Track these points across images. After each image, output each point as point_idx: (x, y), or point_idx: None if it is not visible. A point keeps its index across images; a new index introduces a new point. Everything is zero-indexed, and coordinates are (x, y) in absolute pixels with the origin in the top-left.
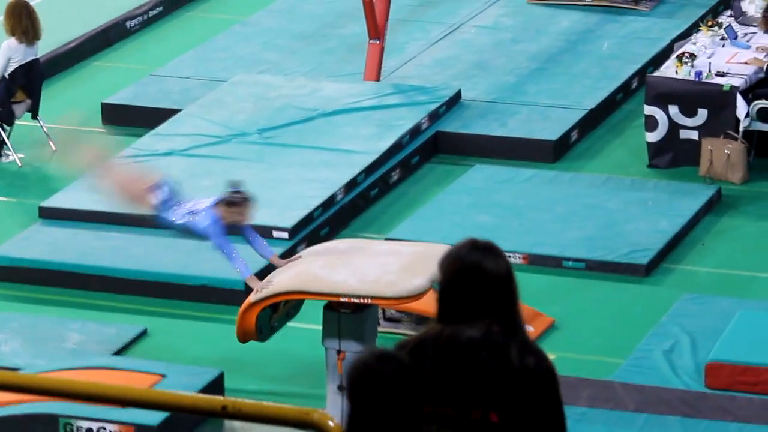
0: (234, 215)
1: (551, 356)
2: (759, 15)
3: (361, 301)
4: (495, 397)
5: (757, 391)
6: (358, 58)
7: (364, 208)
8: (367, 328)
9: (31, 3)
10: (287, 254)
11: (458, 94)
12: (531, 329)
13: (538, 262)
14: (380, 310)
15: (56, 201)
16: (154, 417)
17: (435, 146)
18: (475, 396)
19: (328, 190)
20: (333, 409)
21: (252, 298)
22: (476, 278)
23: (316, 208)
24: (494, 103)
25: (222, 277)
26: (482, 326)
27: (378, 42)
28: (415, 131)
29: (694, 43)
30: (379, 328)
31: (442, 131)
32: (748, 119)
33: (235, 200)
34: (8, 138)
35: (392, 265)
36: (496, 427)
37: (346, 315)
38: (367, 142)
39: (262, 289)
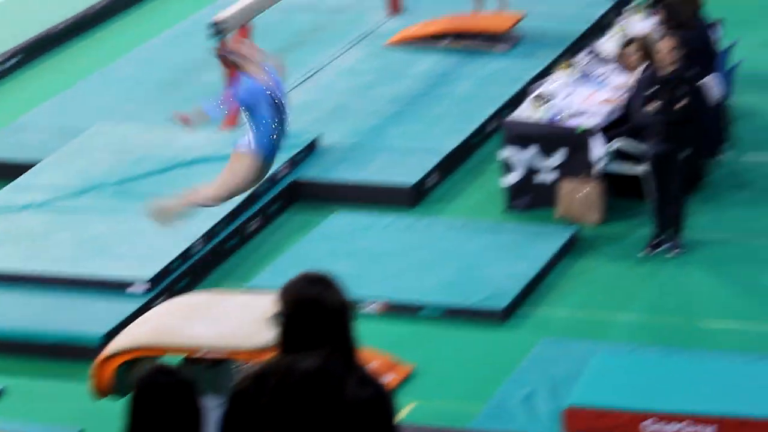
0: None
1: (410, 405)
2: (615, 54)
3: (220, 354)
4: (332, 426)
5: None
6: None
7: (222, 259)
8: (226, 380)
9: None
10: (144, 309)
11: (317, 140)
12: (390, 378)
13: (397, 309)
14: None
15: None
16: None
17: (294, 194)
18: (313, 425)
19: (186, 241)
20: None
21: (105, 352)
22: (314, 310)
23: (174, 260)
24: (354, 148)
25: (78, 333)
26: (320, 357)
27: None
28: (273, 179)
29: (551, 84)
30: None
31: (301, 178)
32: (604, 160)
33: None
34: None
35: (250, 316)
36: None
37: (205, 368)
38: None
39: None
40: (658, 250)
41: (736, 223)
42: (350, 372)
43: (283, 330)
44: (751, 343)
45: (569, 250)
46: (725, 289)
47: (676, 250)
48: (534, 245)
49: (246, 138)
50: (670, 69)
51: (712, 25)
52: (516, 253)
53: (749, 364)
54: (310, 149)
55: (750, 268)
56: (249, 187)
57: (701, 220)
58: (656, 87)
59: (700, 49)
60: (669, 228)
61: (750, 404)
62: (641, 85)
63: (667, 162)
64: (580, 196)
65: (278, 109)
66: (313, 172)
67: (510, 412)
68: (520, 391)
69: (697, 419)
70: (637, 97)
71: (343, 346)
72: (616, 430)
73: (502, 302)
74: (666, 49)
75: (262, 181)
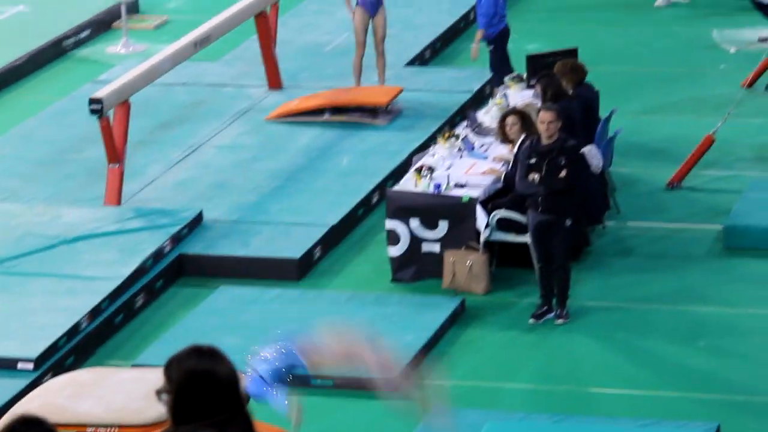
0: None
1: None
2: (495, 125)
3: (108, 430)
4: None
5: None
6: (99, 182)
7: (109, 335)
8: None
9: None
10: (31, 387)
11: (200, 216)
12: None
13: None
14: None
15: None
16: None
17: (179, 269)
18: None
19: (72, 318)
20: None
21: None
22: (206, 382)
23: (61, 338)
24: (237, 223)
25: None
26: (217, 427)
27: (117, 166)
28: (158, 255)
29: (433, 156)
30: None
31: (186, 253)
32: (488, 229)
33: None
34: None
35: (138, 392)
36: None
37: None
38: (109, 268)
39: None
40: (545, 318)
41: (621, 290)
42: None
43: (174, 403)
44: (640, 409)
45: (456, 319)
46: (613, 355)
47: (563, 319)
48: (421, 316)
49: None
50: (550, 140)
51: (591, 96)
52: (403, 324)
53: (639, 429)
54: (194, 225)
55: (636, 334)
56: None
57: (587, 288)
58: (536, 158)
59: (579, 119)
60: (554, 296)
61: None
62: (522, 155)
63: (549, 231)
64: (466, 267)
65: None
66: (197, 247)
67: None
68: None
69: None
70: (517, 167)
71: (238, 416)
72: None
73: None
74: (545, 120)
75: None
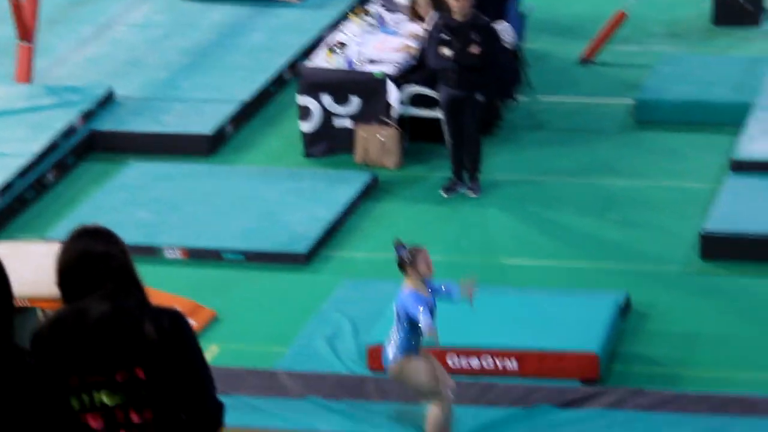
0: (419, 272)
1: (214, 348)
2: (406, 2)
3: (21, 303)
4: (137, 357)
5: None
6: (8, 60)
7: (20, 211)
8: (29, 330)
9: None
10: None
11: (111, 93)
12: (193, 323)
13: (198, 255)
14: None
15: None
16: None
17: (90, 145)
18: (118, 360)
19: None
20: None
21: None
22: (87, 261)
23: None
24: (148, 100)
25: None
26: (110, 298)
27: (28, 44)
28: (69, 131)
29: (344, 32)
30: None
31: (97, 130)
32: (401, 105)
33: (410, 257)
34: None
35: (49, 265)
36: (144, 383)
37: None
38: (20, 144)
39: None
40: (456, 192)
41: (532, 163)
42: (143, 307)
43: (62, 284)
44: (551, 279)
45: (369, 194)
46: (524, 227)
47: (474, 192)
48: (333, 190)
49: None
50: (463, 17)
51: None
52: (316, 198)
53: (548, 299)
54: (105, 102)
55: (547, 206)
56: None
57: (498, 162)
58: (448, 34)
59: None
60: (466, 170)
61: (549, 338)
62: (434, 31)
63: (461, 106)
64: (378, 141)
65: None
66: (108, 124)
67: (315, 353)
68: (324, 332)
69: (499, 353)
70: (430, 44)
71: (130, 287)
72: None
73: (304, 246)
74: None
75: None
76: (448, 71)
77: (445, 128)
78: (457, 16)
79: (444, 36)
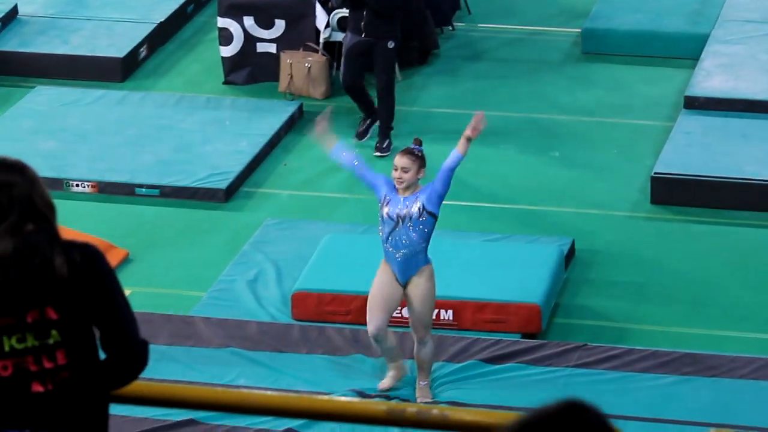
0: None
1: (127, 291)
2: None
3: None
4: (48, 296)
5: (346, 321)
6: None
7: None
8: None
9: None
10: None
11: (15, 10)
12: None
13: (110, 190)
14: None
15: None
16: None
17: None
18: (28, 300)
19: None
20: None
21: None
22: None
23: None
24: (55, 18)
25: None
26: (13, 232)
27: None
28: None
29: None
30: None
31: None
32: (329, 30)
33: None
34: None
35: None
36: (56, 322)
37: None
38: None
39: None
40: (370, 132)
41: (470, 96)
42: (52, 243)
43: None
44: (487, 224)
45: (293, 125)
46: (460, 166)
47: (380, 152)
48: (256, 121)
49: None
50: None
51: None
52: (237, 129)
53: (486, 245)
54: (8, 20)
55: (486, 144)
56: None
57: (434, 94)
58: None
59: None
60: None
61: (488, 288)
62: None
63: (369, 54)
64: (304, 69)
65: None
66: (11, 44)
67: (235, 298)
68: (245, 276)
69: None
70: None
71: (37, 220)
72: (347, 315)
73: (224, 181)
74: None
75: None
76: (354, 15)
77: (343, 74)
78: None
79: None
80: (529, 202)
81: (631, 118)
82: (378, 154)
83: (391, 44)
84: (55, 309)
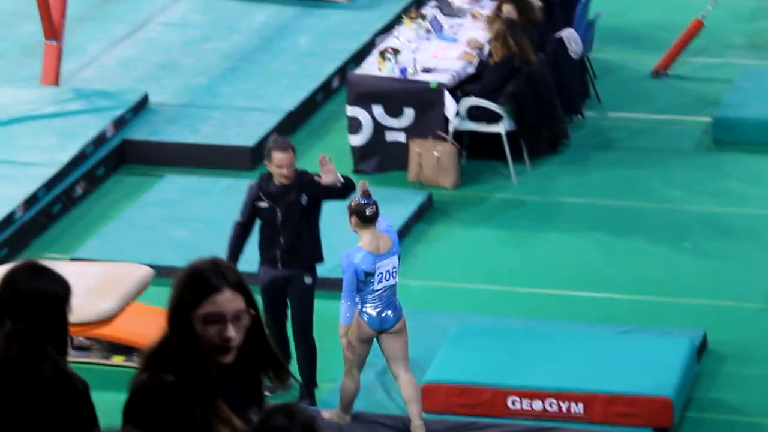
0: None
1: None
2: (465, 6)
3: None
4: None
5: (476, 414)
6: (34, 61)
7: (46, 226)
8: None
9: None
10: None
11: (145, 99)
12: None
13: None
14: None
15: None
16: None
17: (122, 156)
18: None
19: (6, 207)
20: None
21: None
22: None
23: None
24: (185, 107)
25: None
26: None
27: (55, 43)
28: (99, 140)
29: (397, 37)
30: (69, 358)
31: (129, 139)
32: (458, 119)
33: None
34: None
35: (77, 288)
36: None
37: None
38: (47, 153)
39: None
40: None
41: (600, 186)
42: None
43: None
44: (622, 314)
45: (423, 215)
46: (591, 255)
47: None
48: (385, 210)
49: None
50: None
51: None
52: None
53: (617, 337)
54: (139, 108)
55: (617, 234)
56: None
57: (564, 184)
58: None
59: (559, 1)
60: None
61: (619, 380)
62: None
63: (283, 289)
64: (433, 158)
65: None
66: (142, 132)
67: (366, 390)
68: (376, 367)
69: (564, 396)
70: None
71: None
72: (477, 407)
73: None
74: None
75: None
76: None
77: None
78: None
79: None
80: (661, 294)
81: (764, 208)
82: None
83: (308, 279)
84: None
